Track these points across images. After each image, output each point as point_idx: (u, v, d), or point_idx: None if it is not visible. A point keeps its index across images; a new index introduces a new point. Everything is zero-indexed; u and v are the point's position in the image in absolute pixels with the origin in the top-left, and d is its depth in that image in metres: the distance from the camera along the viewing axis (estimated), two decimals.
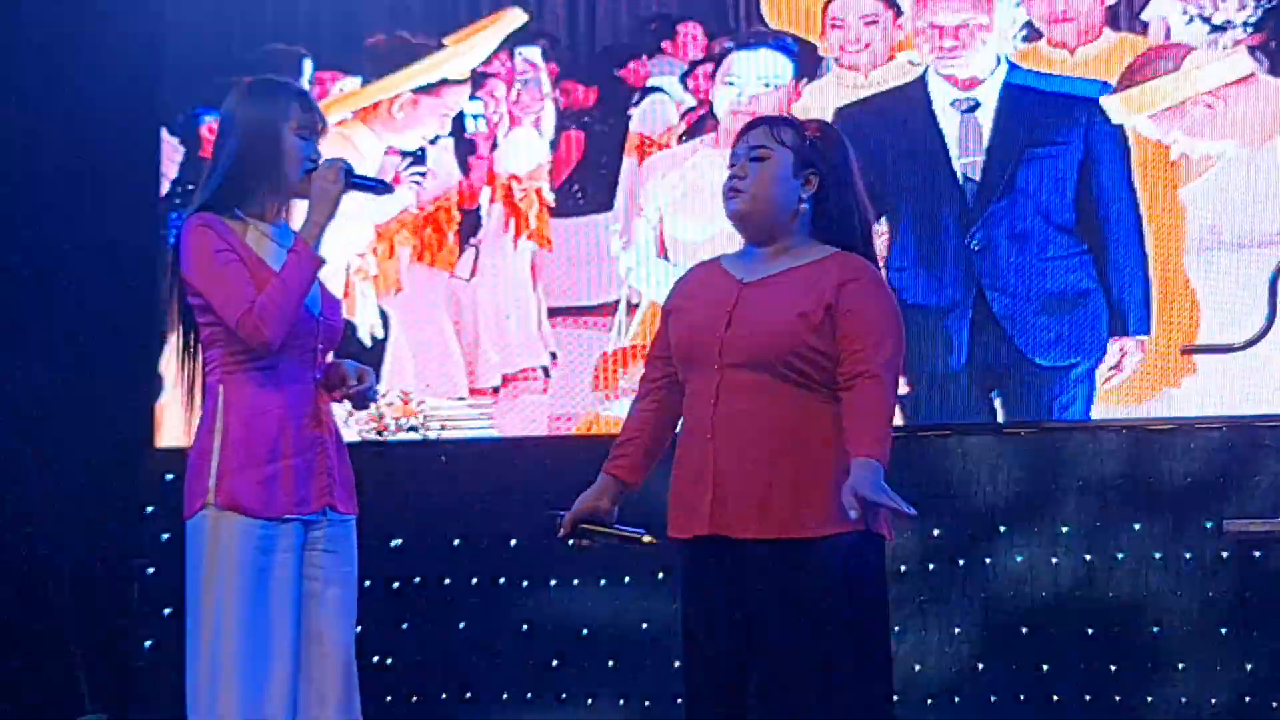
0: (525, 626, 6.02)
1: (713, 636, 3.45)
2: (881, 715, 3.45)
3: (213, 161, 3.75)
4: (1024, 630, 5.76)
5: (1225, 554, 5.53)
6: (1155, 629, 5.66)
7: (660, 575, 5.78)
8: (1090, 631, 5.71)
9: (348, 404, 3.77)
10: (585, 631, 5.97)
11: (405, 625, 6.03)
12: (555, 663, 6.01)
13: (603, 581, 5.96)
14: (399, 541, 5.98)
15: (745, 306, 3.48)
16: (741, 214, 3.54)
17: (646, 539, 3.51)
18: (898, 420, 5.47)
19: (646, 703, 5.89)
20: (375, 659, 5.81)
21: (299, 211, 3.73)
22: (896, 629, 5.75)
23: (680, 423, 3.58)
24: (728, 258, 3.63)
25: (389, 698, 5.96)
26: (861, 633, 3.41)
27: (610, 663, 5.94)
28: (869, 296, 3.49)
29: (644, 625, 5.88)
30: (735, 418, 3.42)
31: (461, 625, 6.05)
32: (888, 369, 3.45)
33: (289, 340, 3.61)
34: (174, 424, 6.15)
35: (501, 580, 6.06)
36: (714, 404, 3.44)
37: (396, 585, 5.99)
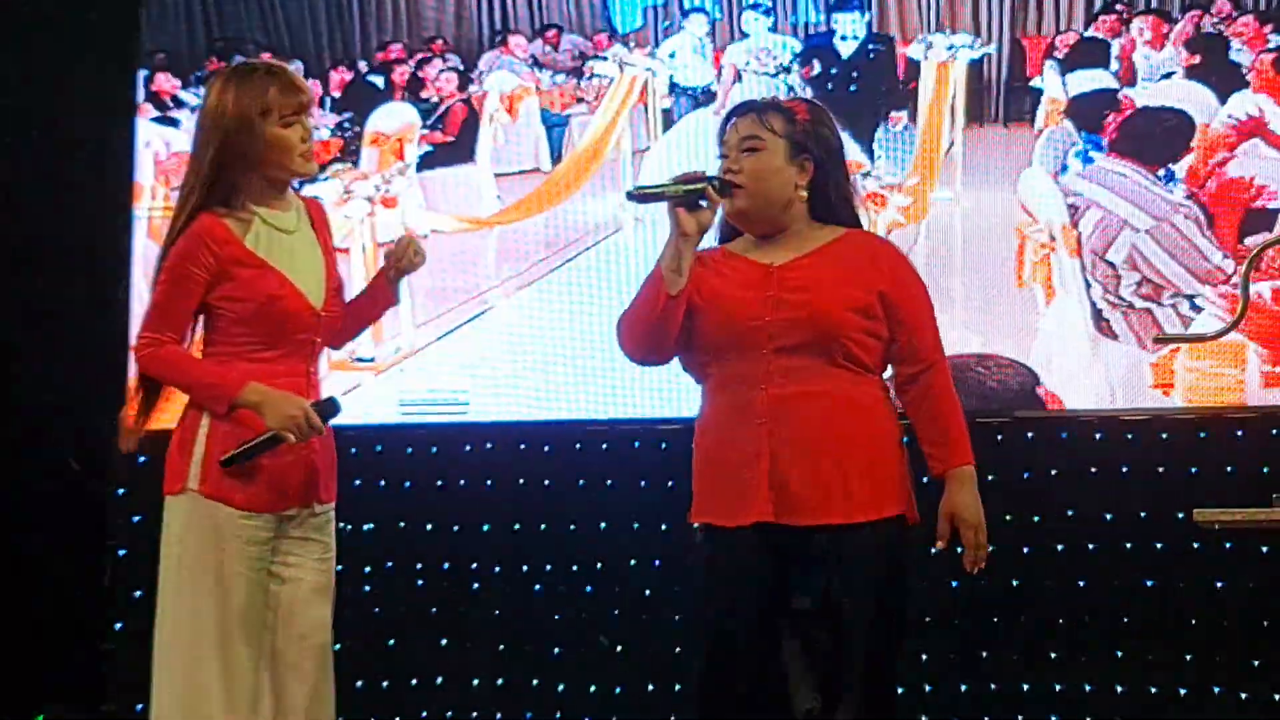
0: (521, 613, 6.02)
1: (763, 622, 3.42)
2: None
3: (197, 158, 3.70)
4: (993, 620, 5.77)
5: (1196, 545, 5.56)
6: (1125, 619, 5.68)
7: (658, 563, 5.79)
8: (1060, 621, 5.73)
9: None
10: (584, 616, 5.97)
11: (402, 610, 6.04)
12: (557, 650, 6.02)
13: (599, 566, 5.95)
14: (370, 526, 5.97)
15: (788, 289, 3.45)
16: (742, 211, 3.51)
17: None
18: None
19: (650, 686, 5.89)
20: (350, 644, 5.80)
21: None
22: None
23: (707, 410, 3.53)
24: (733, 245, 3.58)
25: (385, 683, 5.97)
26: (904, 617, 3.50)
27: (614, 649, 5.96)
28: (916, 282, 3.55)
29: (643, 615, 5.89)
30: (790, 401, 3.39)
31: (460, 610, 6.05)
32: (943, 354, 3.51)
33: (286, 333, 3.64)
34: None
35: (497, 568, 6.06)
36: (764, 389, 3.41)
37: (370, 570, 5.97)
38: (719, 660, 3.44)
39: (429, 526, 6.06)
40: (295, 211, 3.76)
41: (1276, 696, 5.51)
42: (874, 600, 3.41)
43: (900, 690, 5.63)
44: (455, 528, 6.07)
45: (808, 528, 3.38)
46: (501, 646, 6.00)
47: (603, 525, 5.90)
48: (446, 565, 6.06)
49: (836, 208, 3.55)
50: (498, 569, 6.03)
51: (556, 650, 5.98)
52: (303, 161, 3.69)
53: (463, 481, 6.08)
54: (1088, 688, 5.68)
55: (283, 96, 3.67)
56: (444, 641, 6.03)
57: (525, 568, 6.02)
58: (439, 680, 6.02)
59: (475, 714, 5.99)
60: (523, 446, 6.04)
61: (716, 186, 3.45)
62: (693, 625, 3.55)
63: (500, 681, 5.99)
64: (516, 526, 6.03)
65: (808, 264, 3.48)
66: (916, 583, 3.67)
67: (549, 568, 5.99)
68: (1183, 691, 5.60)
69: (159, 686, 3.61)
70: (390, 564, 6.03)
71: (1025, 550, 5.75)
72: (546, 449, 6.03)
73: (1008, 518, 5.76)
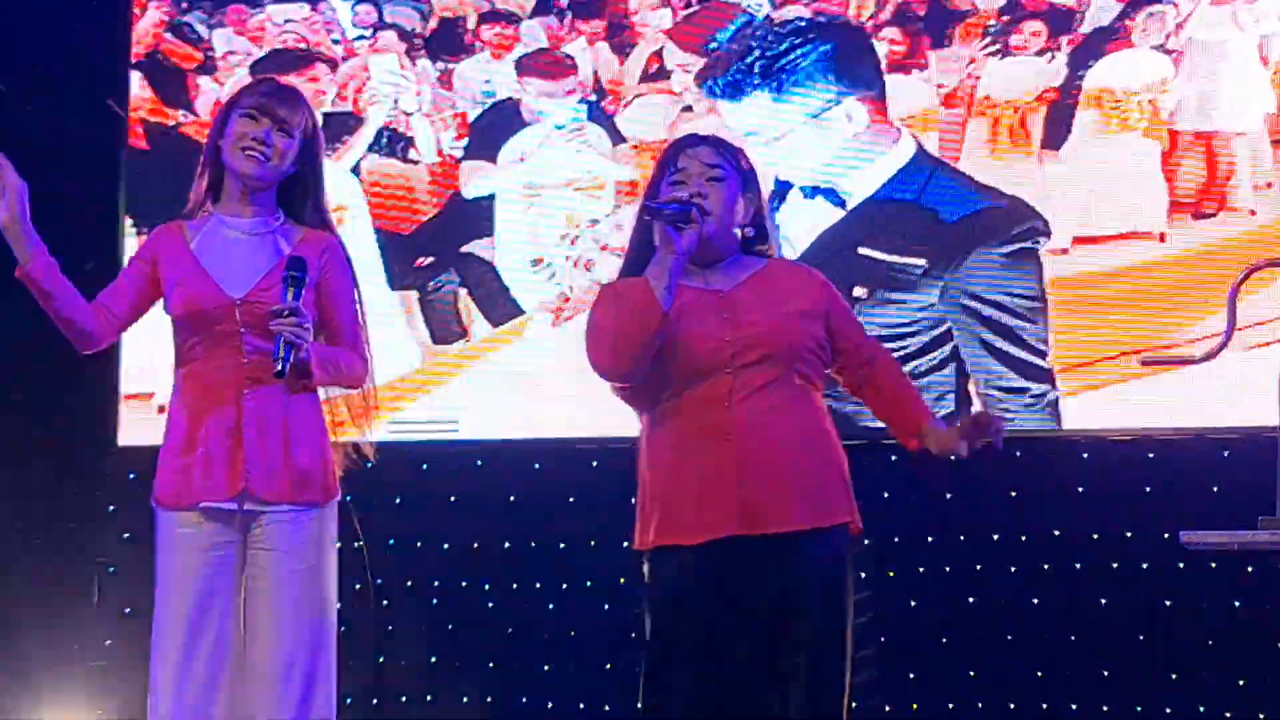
0: (510, 630, 6.03)
1: (740, 637, 3.45)
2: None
3: None
4: (979, 637, 5.79)
5: (1181, 565, 5.57)
6: (1110, 640, 5.69)
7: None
8: (1045, 640, 5.74)
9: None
10: (573, 633, 5.99)
11: (390, 627, 6.04)
12: (546, 667, 6.02)
13: (589, 584, 5.97)
14: (358, 544, 5.97)
15: (741, 309, 3.55)
16: (709, 235, 3.56)
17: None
18: None
19: (639, 705, 5.89)
20: (363, 661, 5.82)
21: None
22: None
23: (662, 434, 3.57)
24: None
25: (375, 700, 5.97)
26: (850, 624, 3.54)
27: (604, 666, 5.96)
28: (839, 298, 3.71)
29: (632, 633, 5.88)
30: (757, 415, 3.47)
31: (449, 627, 6.06)
32: (883, 348, 3.77)
33: (202, 325, 3.71)
34: (136, 422, 6.13)
35: (486, 586, 6.07)
36: (728, 407, 3.47)
37: (359, 587, 5.97)
38: (680, 676, 3.49)
39: (418, 544, 6.07)
40: (269, 223, 3.82)
41: (1261, 717, 5.53)
42: (831, 602, 3.49)
43: (886, 709, 5.72)
44: (444, 545, 6.08)
45: (772, 536, 3.44)
46: (491, 664, 6.01)
47: (592, 543, 5.91)
48: (436, 583, 6.07)
49: (760, 249, 3.70)
50: (487, 586, 6.04)
51: (546, 667, 5.99)
52: (242, 155, 3.74)
53: (453, 499, 6.09)
54: (1073, 707, 5.69)
55: (248, 95, 3.81)
56: (433, 659, 6.05)
57: (515, 585, 6.03)
58: (429, 698, 6.03)
59: None
60: (513, 464, 6.05)
61: (693, 211, 3.51)
62: (649, 648, 3.54)
63: (489, 699, 6.00)
64: (506, 545, 6.04)
65: (752, 286, 3.60)
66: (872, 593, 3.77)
67: (539, 585, 6.01)
68: (1168, 710, 5.61)
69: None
70: (380, 580, 6.03)
71: (1011, 570, 5.76)
72: (536, 466, 6.05)
73: (995, 537, 5.79)
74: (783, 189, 5.93)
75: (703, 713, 3.45)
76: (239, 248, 3.77)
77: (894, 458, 5.78)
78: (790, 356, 3.53)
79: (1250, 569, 5.51)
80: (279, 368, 3.60)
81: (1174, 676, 5.62)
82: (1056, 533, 5.75)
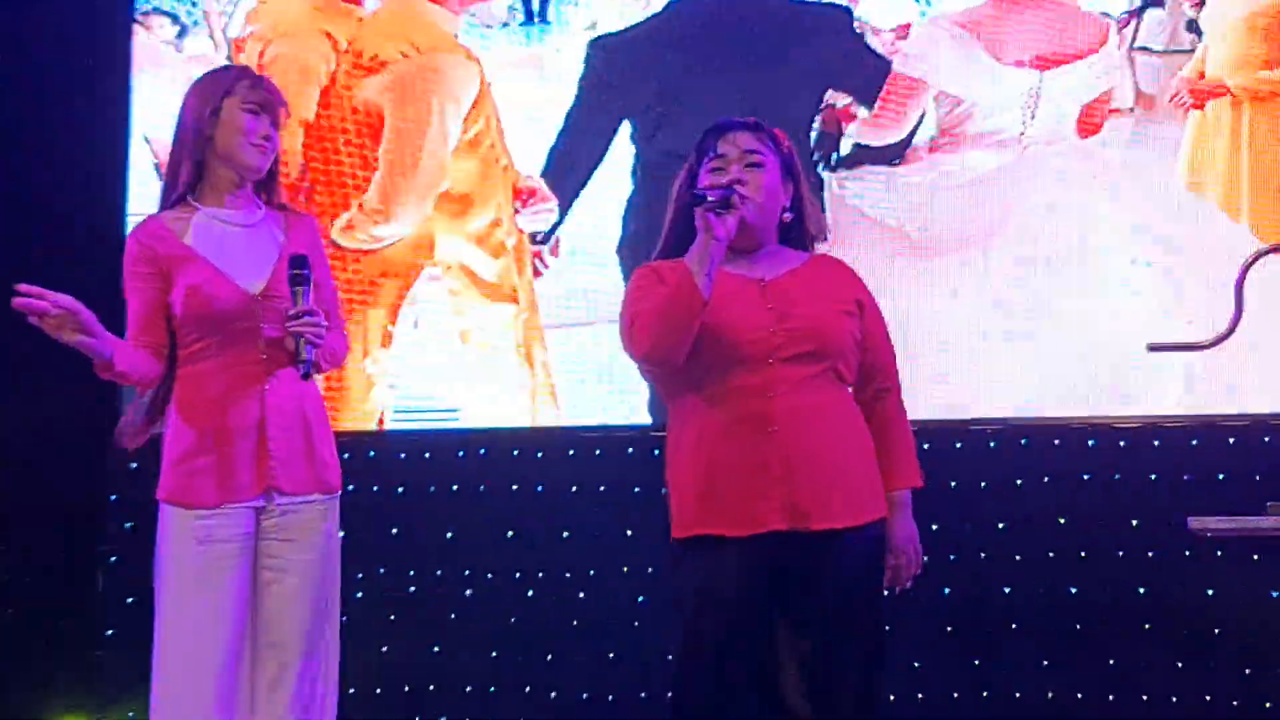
0: (513, 619, 6.01)
1: (779, 631, 3.47)
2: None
3: (169, 156, 3.83)
4: (986, 628, 5.77)
5: (1188, 552, 5.56)
6: (1117, 627, 5.68)
7: (650, 570, 5.78)
8: (1052, 630, 5.73)
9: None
10: (575, 622, 5.96)
11: (393, 617, 6.02)
12: (549, 657, 6.00)
13: (592, 572, 5.95)
14: (362, 533, 5.95)
15: (786, 302, 3.52)
16: (744, 223, 3.52)
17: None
18: None
19: (643, 694, 5.89)
20: (366, 650, 5.81)
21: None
22: None
23: (699, 423, 3.53)
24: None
25: (378, 689, 5.96)
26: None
27: (606, 656, 5.94)
28: (877, 307, 3.68)
29: (635, 622, 5.87)
30: (800, 411, 3.44)
31: (453, 616, 6.03)
32: (899, 378, 3.69)
33: (220, 323, 3.68)
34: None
35: (490, 575, 6.04)
36: (770, 399, 3.44)
37: (363, 576, 5.96)
38: (715, 670, 3.46)
39: (422, 532, 6.06)
40: (255, 213, 3.80)
41: (1268, 704, 5.52)
42: (870, 597, 3.54)
43: (892, 698, 5.71)
44: (448, 534, 6.06)
45: (814, 532, 3.43)
46: (494, 653, 6.00)
47: (595, 533, 5.89)
48: (439, 571, 6.05)
49: (801, 235, 3.69)
50: (490, 575, 6.03)
51: (549, 657, 5.97)
52: (253, 150, 3.73)
53: (455, 487, 6.08)
54: (1080, 695, 5.68)
55: (250, 89, 3.75)
56: (436, 648, 6.03)
57: (518, 574, 6.01)
58: (431, 687, 6.01)
59: None
60: (515, 452, 6.04)
61: (733, 198, 3.47)
62: (686, 638, 3.53)
63: (492, 689, 5.99)
64: (510, 533, 6.03)
65: (797, 279, 3.58)
66: (909, 590, 3.80)
67: (541, 574, 5.99)
68: (1174, 699, 5.60)
69: (152, 696, 3.65)
70: (382, 569, 6.02)
71: (1017, 558, 5.75)
72: (539, 455, 6.03)
73: (1000, 525, 5.78)
74: None
75: (739, 705, 3.45)
76: (238, 240, 3.75)
77: None
78: (834, 353, 3.51)
79: (1257, 556, 5.50)
80: (306, 370, 3.61)
81: (1180, 664, 5.61)
82: (1062, 520, 5.74)
